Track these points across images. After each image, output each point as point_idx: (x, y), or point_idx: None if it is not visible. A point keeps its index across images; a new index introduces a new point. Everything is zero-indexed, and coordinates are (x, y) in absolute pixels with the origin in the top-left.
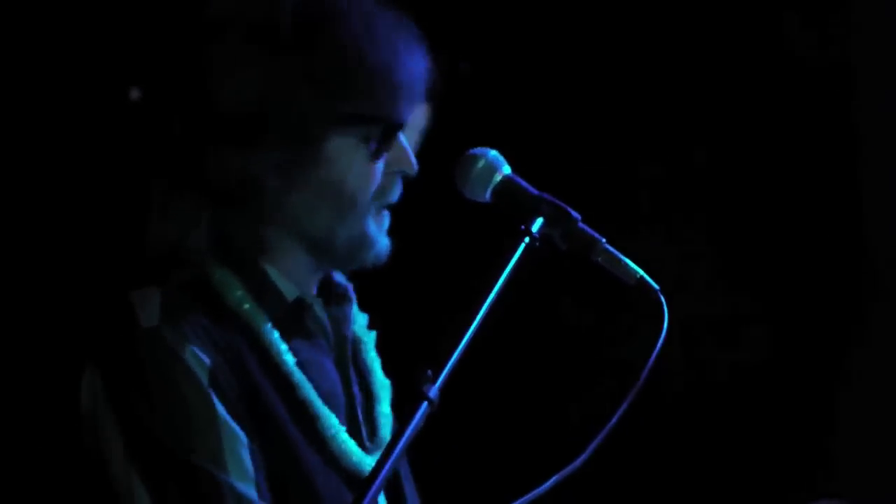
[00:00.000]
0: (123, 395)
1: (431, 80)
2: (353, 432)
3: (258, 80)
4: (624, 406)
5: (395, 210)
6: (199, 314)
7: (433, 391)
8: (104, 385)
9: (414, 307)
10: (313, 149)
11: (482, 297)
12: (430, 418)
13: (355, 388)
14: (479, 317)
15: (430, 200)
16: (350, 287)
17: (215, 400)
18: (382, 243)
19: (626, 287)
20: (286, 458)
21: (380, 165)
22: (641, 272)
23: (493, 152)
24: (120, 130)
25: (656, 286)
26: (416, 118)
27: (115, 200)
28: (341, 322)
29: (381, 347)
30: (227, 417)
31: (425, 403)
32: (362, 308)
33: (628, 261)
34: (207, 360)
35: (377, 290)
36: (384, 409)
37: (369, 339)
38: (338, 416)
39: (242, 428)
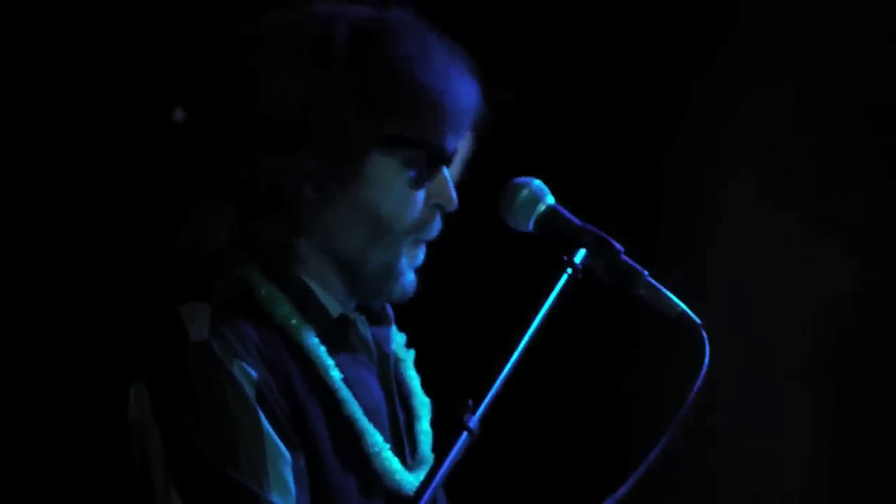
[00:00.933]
0: (170, 408)
1: (480, 113)
2: (397, 450)
3: (305, 86)
4: (664, 440)
5: (439, 237)
6: (248, 329)
7: (473, 421)
8: (151, 398)
9: (455, 336)
10: (354, 165)
11: (524, 327)
12: (470, 447)
13: (398, 406)
14: (520, 347)
15: (473, 229)
16: (388, 306)
17: (262, 416)
18: (409, 279)
19: (667, 321)
20: (329, 475)
21: (420, 194)
22: (684, 306)
23: (538, 182)
24: (164, 138)
25: (698, 321)
26: (460, 148)
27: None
28: (382, 340)
29: (423, 372)
30: (273, 434)
31: (465, 433)
32: (406, 331)
33: (671, 294)
34: (255, 375)
35: (421, 317)
36: (424, 426)
37: (408, 357)
38: (381, 434)
39: (287, 445)
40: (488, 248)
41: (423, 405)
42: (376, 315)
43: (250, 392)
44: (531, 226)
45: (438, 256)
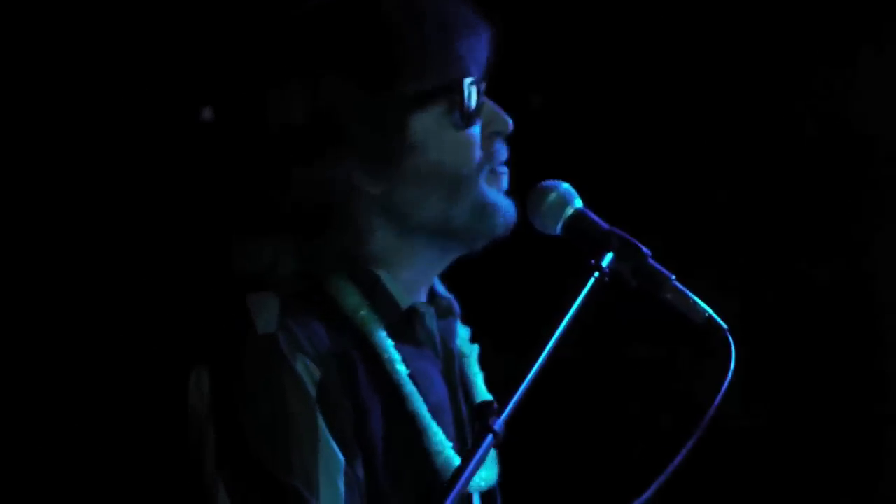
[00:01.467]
0: (227, 400)
1: (492, 34)
2: (460, 447)
3: (316, 90)
4: (689, 445)
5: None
6: (315, 322)
7: (498, 424)
8: (211, 387)
9: (482, 338)
10: (397, 140)
11: (550, 330)
12: (495, 450)
13: (461, 402)
14: (546, 350)
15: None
16: (454, 300)
17: (320, 417)
18: (504, 206)
19: (694, 325)
20: (388, 473)
21: (474, 131)
22: (710, 311)
23: (566, 185)
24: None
25: (725, 325)
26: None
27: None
28: (448, 334)
29: None
30: (329, 436)
31: (490, 436)
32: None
33: (697, 299)
34: (318, 372)
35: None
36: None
37: (472, 352)
38: (445, 430)
39: (344, 449)
40: (515, 250)
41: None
42: (443, 307)
43: (312, 391)
44: (559, 229)
45: (466, 259)
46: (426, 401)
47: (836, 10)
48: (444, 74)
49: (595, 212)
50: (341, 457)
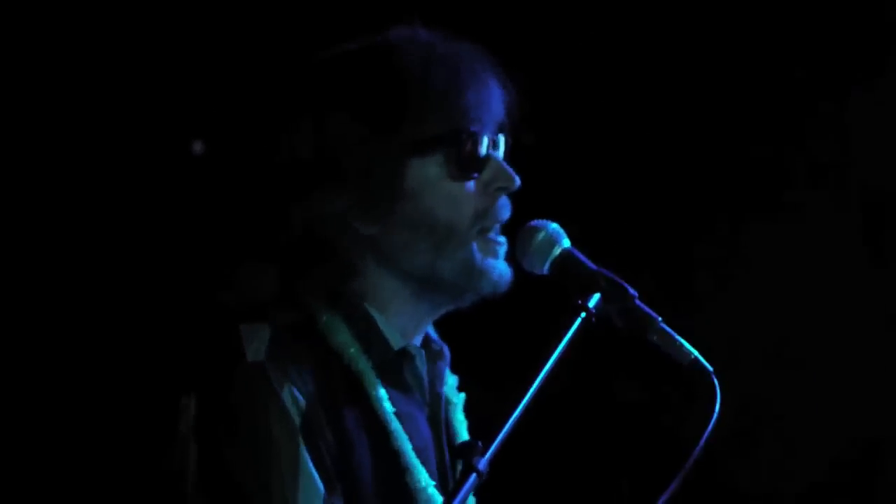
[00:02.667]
0: (210, 423)
1: (511, 97)
2: (441, 489)
3: (324, 127)
4: (674, 484)
5: None
6: (304, 355)
7: (482, 463)
8: (196, 411)
9: (468, 377)
10: (394, 184)
11: (536, 370)
12: (478, 489)
13: (445, 447)
14: (531, 390)
15: None
16: (445, 347)
17: (302, 445)
18: (496, 270)
19: (679, 366)
20: None
21: (470, 186)
22: (696, 353)
23: (554, 225)
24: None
25: (710, 367)
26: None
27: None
28: (436, 379)
29: None
30: (310, 466)
31: (474, 475)
32: None
33: (683, 341)
34: (304, 403)
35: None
36: None
37: (458, 400)
38: (428, 471)
39: (325, 477)
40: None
41: None
42: (434, 351)
43: (296, 420)
44: (546, 268)
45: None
46: (410, 440)
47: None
48: (445, 124)
49: (584, 252)
50: (321, 487)
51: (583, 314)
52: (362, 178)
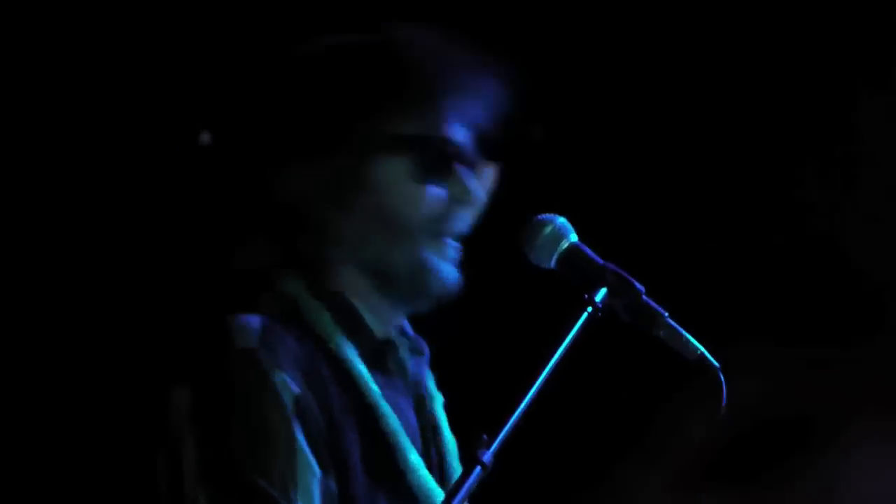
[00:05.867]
0: (207, 411)
1: (497, 109)
2: (429, 470)
3: (303, 106)
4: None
5: (461, 272)
6: (291, 342)
7: (487, 456)
8: (192, 401)
9: (475, 369)
10: (362, 173)
11: (542, 363)
12: (482, 482)
13: (430, 436)
14: (537, 384)
15: (496, 264)
16: (423, 341)
17: (297, 428)
18: (446, 273)
19: (685, 362)
20: (362, 490)
21: (433, 190)
22: (702, 349)
23: (561, 219)
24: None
25: (717, 364)
26: (485, 178)
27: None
28: (420, 370)
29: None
30: (306, 448)
31: (478, 468)
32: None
33: (690, 337)
34: (296, 388)
35: (441, 350)
36: (454, 463)
37: (438, 398)
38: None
39: (319, 460)
40: (510, 283)
41: (450, 443)
42: (413, 347)
43: (289, 403)
44: (553, 263)
45: (460, 292)
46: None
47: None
48: (421, 127)
49: (591, 246)
50: (317, 468)
51: (589, 308)
52: (333, 162)
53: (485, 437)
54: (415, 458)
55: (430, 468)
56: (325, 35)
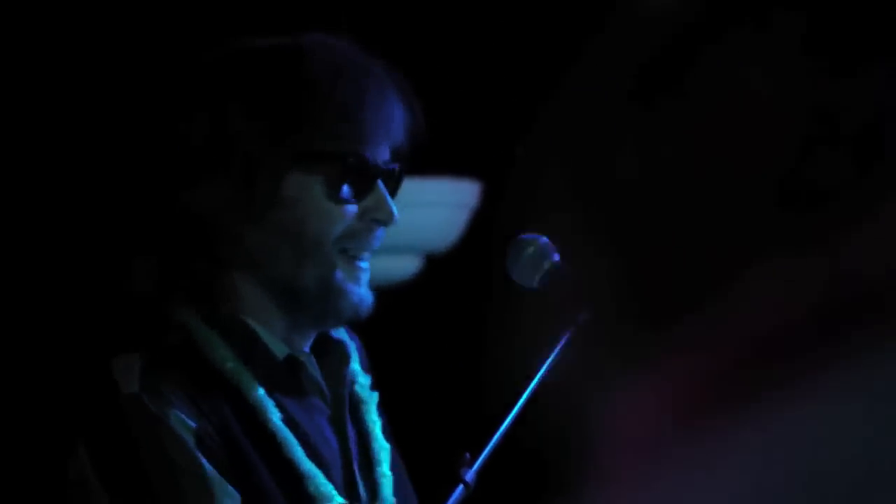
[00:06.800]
0: (111, 464)
1: (410, 126)
2: (350, 493)
3: (214, 116)
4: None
5: (445, 289)
6: (182, 378)
7: (470, 475)
8: (89, 455)
9: (457, 388)
10: (269, 188)
11: (525, 383)
12: (465, 502)
13: (353, 448)
14: (520, 403)
15: (480, 282)
16: (351, 345)
17: (204, 461)
18: (358, 295)
19: None
20: None
21: (347, 208)
22: None
23: (544, 239)
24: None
25: None
26: (466, 195)
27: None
28: (338, 381)
29: (424, 426)
30: (219, 477)
31: (461, 487)
32: (409, 381)
33: None
34: (192, 423)
35: (424, 369)
36: (385, 470)
37: (371, 399)
38: (329, 475)
39: (235, 487)
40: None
41: (382, 449)
42: (332, 352)
43: (189, 439)
44: (536, 282)
45: (444, 311)
46: (305, 446)
47: None
48: (338, 142)
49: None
50: (235, 492)
51: (572, 328)
52: (244, 175)
53: (468, 455)
54: (321, 482)
55: (352, 487)
56: (236, 39)
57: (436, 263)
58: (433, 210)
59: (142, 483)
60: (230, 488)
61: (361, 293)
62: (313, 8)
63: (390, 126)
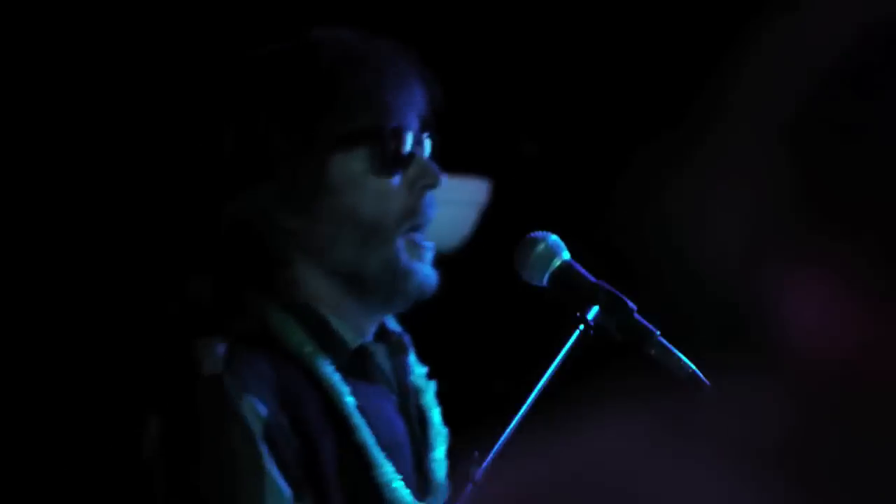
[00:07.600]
0: (174, 442)
1: (430, 96)
2: (418, 479)
3: (242, 125)
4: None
5: (453, 288)
6: (262, 362)
7: (479, 473)
8: (161, 431)
9: (466, 386)
10: (318, 178)
11: (534, 381)
12: (474, 499)
13: (420, 435)
14: (529, 401)
15: (490, 280)
16: (406, 337)
17: (265, 454)
18: (423, 273)
19: (677, 380)
20: None
21: (395, 182)
22: (693, 367)
23: (554, 237)
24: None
25: (708, 382)
26: (476, 193)
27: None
28: (402, 370)
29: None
30: (275, 473)
31: (470, 485)
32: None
33: (681, 355)
34: (264, 411)
35: (433, 367)
36: (438, 455)
37: (429, 388)
38: (397, 462)
39: (292, 482)
40: (503, 300)
41: (439, 434)
42: (394, 343)
43: (257, 429)
44: (545, 280)
45: (452, 308)
46: (378, 435)
47: None
48: (369, 120)
49: (583, 264)
50: (288, 491)
51: (581, 326)
52: (286, 172)
53: (476, 454)
54: (389, 471)
55: (421, 472)
56: (252, 48)
57: (446, 261)
58: (443, 208)
59: (197, 466)
60: (284, 487)
61: (426, 272)
62: (313, 8)
63: (413, 98)
